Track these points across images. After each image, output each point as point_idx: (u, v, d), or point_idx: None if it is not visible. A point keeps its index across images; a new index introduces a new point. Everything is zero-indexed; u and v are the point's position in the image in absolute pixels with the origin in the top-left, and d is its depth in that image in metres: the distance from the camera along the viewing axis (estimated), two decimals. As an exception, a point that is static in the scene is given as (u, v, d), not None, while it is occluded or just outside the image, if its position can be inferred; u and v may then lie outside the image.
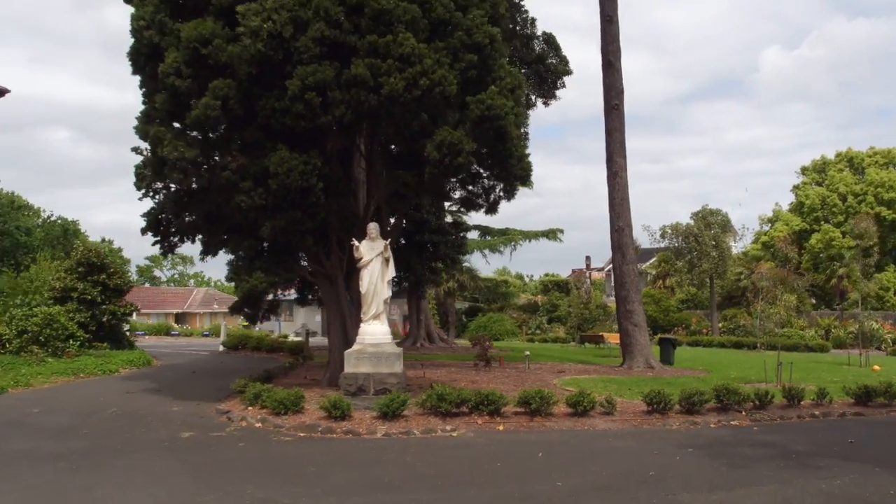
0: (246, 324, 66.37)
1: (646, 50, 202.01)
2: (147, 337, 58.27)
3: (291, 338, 44.61)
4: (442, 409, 14.22)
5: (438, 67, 14.82)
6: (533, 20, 32.72)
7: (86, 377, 22.57)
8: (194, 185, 17.85)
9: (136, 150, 21.47)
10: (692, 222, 51.25)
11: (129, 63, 17.28)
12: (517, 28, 31.50)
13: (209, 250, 21.37)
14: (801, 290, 53.57)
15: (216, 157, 16.69)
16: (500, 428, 13.96)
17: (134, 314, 35.01)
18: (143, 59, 16.53)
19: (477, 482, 9.90)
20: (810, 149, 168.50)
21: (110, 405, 16.78)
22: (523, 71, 30.42)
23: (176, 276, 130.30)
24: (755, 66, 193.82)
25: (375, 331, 15.58)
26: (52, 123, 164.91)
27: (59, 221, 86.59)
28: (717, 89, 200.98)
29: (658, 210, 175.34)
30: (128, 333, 33.51)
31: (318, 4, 14.45)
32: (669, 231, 51.81)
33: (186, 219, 19.01)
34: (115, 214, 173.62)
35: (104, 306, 29.19)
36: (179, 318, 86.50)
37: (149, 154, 20.58)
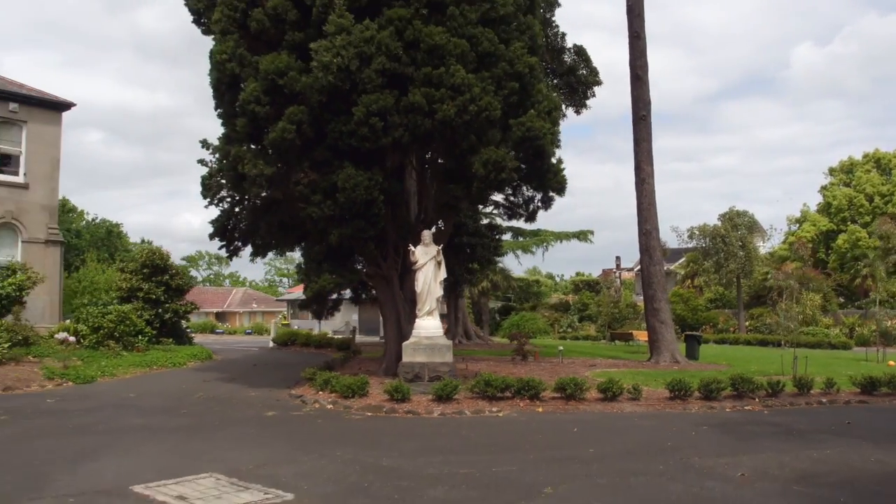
0: (286, 322, 68.94)
1: (675, 48, 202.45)
2: (194, 334, 60.64)
3: (329, 335, 46.64)
4: (488, 394, 16.33)
5: (485, 94, 16.97)
6: (563, 35, 34.49)
7: (158, 369, 24.90)
8: (263, 195, 20.07)
9: (201, 161, 23.99)
10: (719, 223, 52.93)
11: (212, 91, 19.62)
12: (549, 42, 33.38)
13: (259, 252, 23.83)
14: (827, 290, 55.00)
15: (290, 173, 18.81)
16: (540, 410, 16.01)
17: (193, 313, 37.32)
18: (224, 87, 18.81)
19: (522, 448, 11.95)
20: (845, 146, 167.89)
21: (194, 391, 19.10)
22: (555, 82, 32.14)
23: (211, 275, 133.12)
24: (786, 63, 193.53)
25: (429, 325, 17.77)
26: (86, 126, 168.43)
27: (105, 223, 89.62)
28: (747, 87, 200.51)
29: (690, 209, 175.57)
30: (188, 331, 35.88)
31: (380, 41, 16.65)
32: (697, 232, 53.48)
33: (260, 226, 21.24)
34: (147, 216, 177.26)
35: (167, 305, 31.56)
36: (219, 316, 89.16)
37: (213, 166, 22.99)
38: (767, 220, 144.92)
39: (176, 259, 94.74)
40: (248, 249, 24.95)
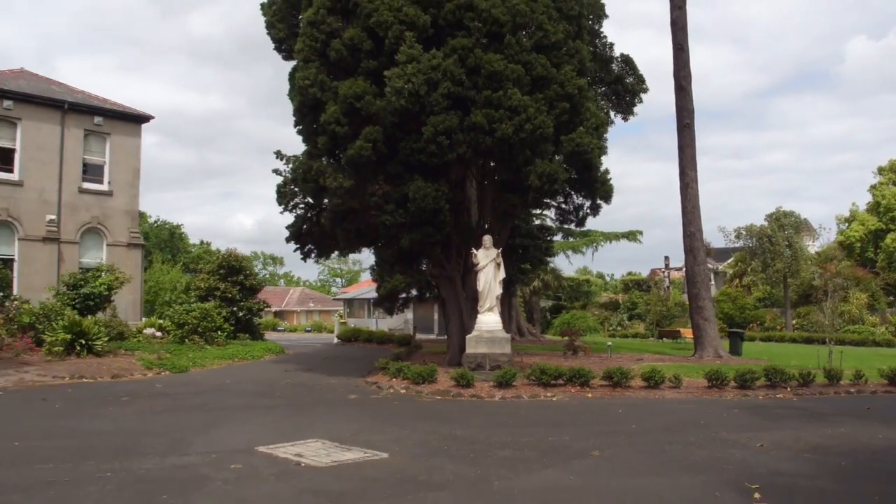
0: (343, 320, 71.44)
1: (726, 43, 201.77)
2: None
3: (386, 332, 48.69)
4: (543, 381, 18.39)
5: (538, 114, 19.04)
6: (611, 45, 36.13)
7: (239, 361, 27.31)
8: (340, 204, 22.27)
9: (276, 171, 26.46)
10: (766, 224, 54.16)
11: (296, 114, 21.97)
12: (597, 52, 35.18)
13: (320, 254, 26.30)
14: (875, 289, 55.90)
15: (365, 186, 21.00)
16: (589, 395, 18.02)
17: (263, 311, 39.83)
18: (307, 109, 21.10)
19: (573, 424, 13.98)
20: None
21: (280, 380, 21.43)
22: (602, 90, 33.83)
23: (266, 275, 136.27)
24: (840, 58, 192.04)
25: (490, 320, 19.90)
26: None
27: (167, 226, 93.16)
28: (800, 82, 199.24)
29: (741, 207, 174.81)
30: (259, 327, 38.42)
31: (446, 68, 18.79)
32: (744, 232, 54.76)
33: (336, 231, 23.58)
34: (201, 217, 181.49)
35: (241, 303, 34.08)
36: (277, 315, 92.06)
37: (288, 176, 25.33)
38: (821, 219, 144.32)
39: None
40: (303, 249, 27.60)
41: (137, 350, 25.95)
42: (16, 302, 26.78)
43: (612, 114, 37.40)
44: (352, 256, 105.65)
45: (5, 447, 10.91)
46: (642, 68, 33.16)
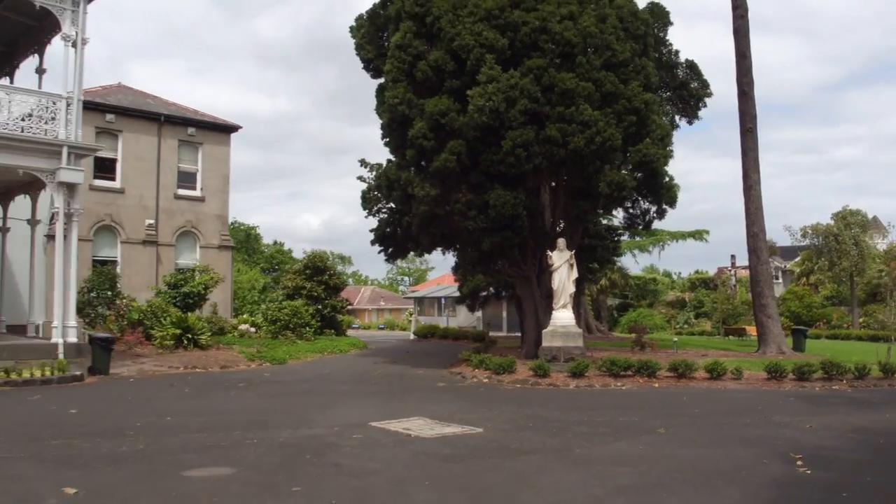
0: (413, 318, 73.52)
1: (795, 35, 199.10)
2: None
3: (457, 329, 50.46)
4: (613, 371, 20.14)
5: (608, 127, 20.79)
6: (677, 52, 37.58)
7: (329, 354, 29.51)
8: (426, 211, 24.30)
9: (360, 178, 28.52)
10: (832, 222, 54.75)
11: (385, 128, 24.11)
12: (662, 59, 36.63)
13: (397, 255, 28.41)
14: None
15: (449, 194, 22.92)
16: (656, 385, 19.72)
17: (346, 308, 42.14)
18: (396, 125, 23.14)
19: (641, 408, 15.73)
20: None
21: (372, 370, 23.55)
22: (667, 95, 35.17)
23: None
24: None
25: (563, 316, 21.74)
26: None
27: (243, 227, 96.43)
28: (874, 74, 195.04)
29: (811, 203, 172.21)
30: (342, 324, 40.74)
31: (523, 87, 20.67)
32: (810, 231, 55.41)
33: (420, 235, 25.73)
34: (269, 217, 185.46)
35: (326, 301, 36.38)
36: (349, 313, 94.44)
37: (371, 182, 27.46)
38: (893, 215, 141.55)
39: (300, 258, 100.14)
40: (386, 251, 29.77)
41: (235, 344, 28.35)
42: (124, 300, 29.31)
43: (677, 118, 38.80)
44: (421, 257, 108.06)
45: (162, 422, 13.10)
46: (706, 62, 34.48)
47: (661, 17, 29.86)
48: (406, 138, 22.34)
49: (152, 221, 34.91)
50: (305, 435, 12.05)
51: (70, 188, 20.67)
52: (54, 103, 20.67)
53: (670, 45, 37.68)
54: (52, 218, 27.33)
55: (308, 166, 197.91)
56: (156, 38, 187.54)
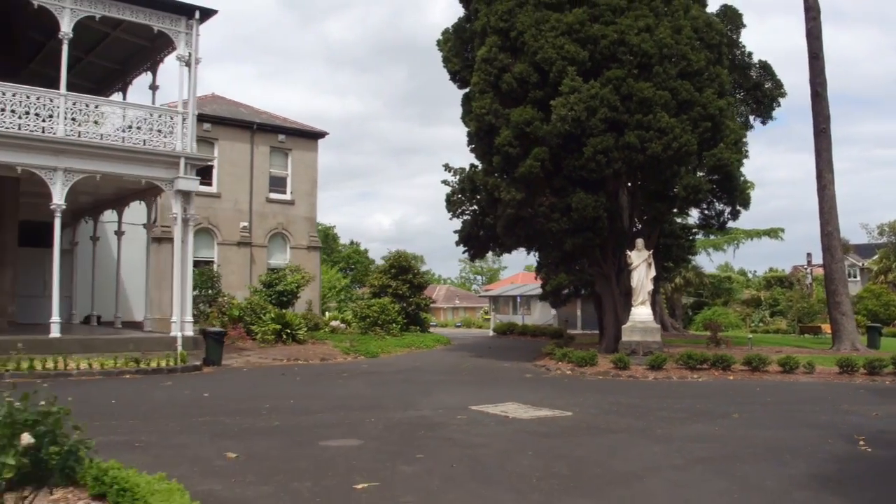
0: (489, 316, 74.87)
1: (873, 25, 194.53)
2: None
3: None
4: (690, 365, 21.38)
5: (684, 134, 22.00)
6: (750, 53, 38.28)
7: (416, 349, 31.21)
8: (511, 214, 25.79)
9: (444, 182, 30.23)
10: (910, 219, 54.60)
11: (472, 136, 25.73)
12: (735, 61, 37.44)
13: (479, 254, 29.90)
14: None
15: (533, 198, 24.35)
16: (731, 377, 20.88)
17: (429, 306, 43.90)
18: (483, 133, 24.68)
19: (717, 397, 16.98)
20: None
21: (460, 363, 25.15)
22: (741, 96, 35.89)
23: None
24: None
25: (642, 312, 23.02)
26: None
27: (320, 227, 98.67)
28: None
29: (894, 199, 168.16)
30: (425, 321, 42.47)
31: (602, 96, 22.02)
32: (887, 228, 55.33)
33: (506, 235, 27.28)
34: (341, 216, 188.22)
35: (410, 299, 38.10)
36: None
37: (456, 186, 29.02)
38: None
39: (375, 258, 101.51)
40: (470, 251, 31.29)
41: (328, 339, 30.18)
42: (225, 298, 31.39)
43: (751, 119, 39.48)
44: (499, 256, 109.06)
45: (287, 404, 14.84)
46: (779, 55, 35.23)
47: (733, 20, 30.89)
48: (492, 146, 23.86)
49: (246, 224, 36.92)
50: (415, 415, 13.62)
51: (186, 195, 22.64)
52: (171, 118, 22.68)
53: (743, 46, 38.37)
54: (154, 222, 29.77)
55: (379, 166, 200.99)
56: (228, 43, 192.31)
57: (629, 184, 24.93)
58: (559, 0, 23.45)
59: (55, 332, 20.45)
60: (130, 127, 22.09)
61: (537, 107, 23.03)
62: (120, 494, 6.48)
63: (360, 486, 8.24)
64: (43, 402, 5.53)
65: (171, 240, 29.88)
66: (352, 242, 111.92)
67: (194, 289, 30.57)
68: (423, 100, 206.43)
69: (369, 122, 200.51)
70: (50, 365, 18.12)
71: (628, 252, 23.25)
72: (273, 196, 38.36)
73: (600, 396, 16.78)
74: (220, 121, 36.96)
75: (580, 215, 22.80)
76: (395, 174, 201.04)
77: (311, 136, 40.60)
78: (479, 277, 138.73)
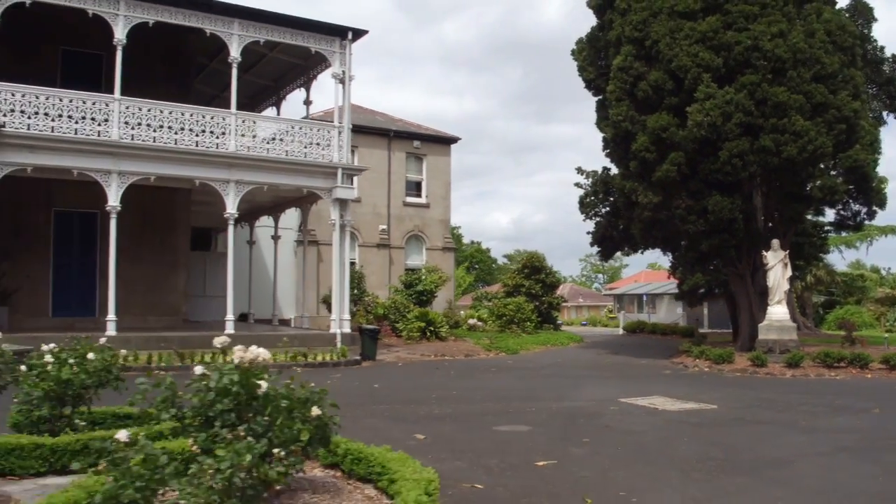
0: (612, 314, 75.23)
1: None
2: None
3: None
4: (827, 363, 21.89)
5: (819, 136, 22.55)
6: (882, 48, 37.95)
7: (552, 346, 32.38)
8: (648, 216, 26.74)
9: (577, 184, 31.28)
10: None
11: (608, 142, 26.87)
12: (868, 56, 37.10)
13: (610, 254, 30.88)
14: None
15: (669, 201, 25.20)
16: (868, 376, 21.31)
17: (561, 305, 45.03)
18: (619, 139, 25.70)
19: (856, 394, 17.61)
20: None
21: (598, 360, 26.26)
22: (873, 91, 35.59)
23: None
24: None
25: (778, 311, 23.63)
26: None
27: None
28: None
29: None
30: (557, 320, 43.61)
31: (738, 102, 22.77)
32: None
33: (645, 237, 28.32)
34: (459, 216, 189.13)
35: (543, 298, 39.29)
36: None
37: (588, 188, 30.06)
38: None
39: (496, 256, 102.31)
40: (603, 251, 32.26)
41: (466, 337, 31.65)
42: (369, 297, 33.26)
43: (884, 114, 39.06)
44: (627, 256, 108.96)
45: (450, 394, 16.32)
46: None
47: (864, 14, 31.02)
48: (628, 151, 24.87)
49: (385, 227, 38.79)
50: (569, 406, 14.85)
51: (343, 203, 24.41)
52: (329, 132, 24.52)
53: (874, 41, 37.99)
54: (300, 227, 31.93)
55: (496, 165, 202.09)
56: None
57: (764, 186, 25.48)
58: (692, 9, 24.22)
59: (229, 329, 22.51)
60: (293, 140, 24.00)
61: (672, 113, 23.90)
62: (355, 463, 7.89)
63: (541, 464, 9.54)
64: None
65: (313, 243, 32.11)
66: (472, 242, 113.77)
67: (341, 289, 32.73)
68: (538, 97, 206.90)
69: (485, 121, 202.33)
70: (229, 358, 20.04)
71: (764, 252, 23.85)
72: (409, 200, 40.10)
73: (741, 392, 17.64)
74: (359, 129, 38.71)
75: (716, 217, 23.56)
76: (512, 173, 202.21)
77: (444, 142, 42.26)
78: (599, 276, 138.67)
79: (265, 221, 31.30)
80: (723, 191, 23.97)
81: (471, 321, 36.17)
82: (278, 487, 5.77)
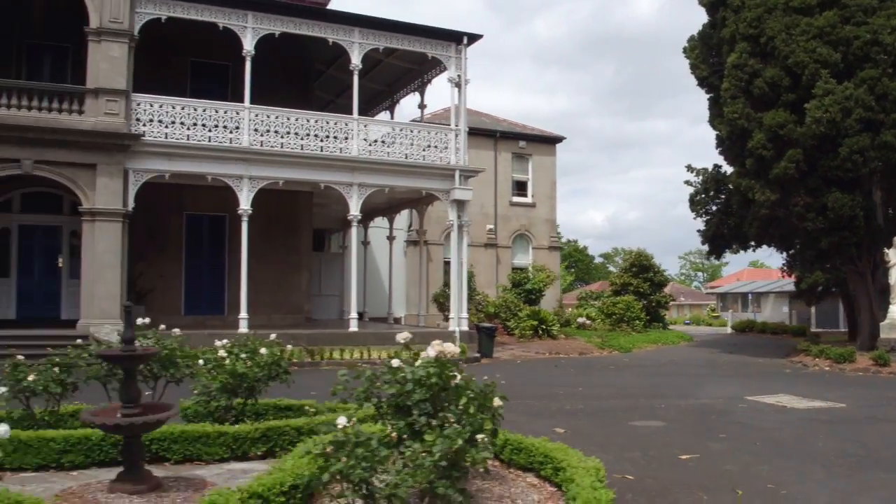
0: (715, 313, 74.23)
1: None
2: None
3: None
4: (955, 361, 21.49)
5: (944, 131, 22.14)
6: None
7: (663, 345, 32.39)
8: (764, 214, 26.58)
9: (687, 182, 31.31)
10: None
11: (722, 140, 26.80)
12: None
13: (720, 252, 30.51)
14: None
15: (787, 198, 25.00)
16: None
17: (668, 304, 44.88)
18: (735, 137, 25.60)
19: None
20: None
21: (713, 358, 26.28)
22: None
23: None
24: None
25: (899, 310, 23.26)
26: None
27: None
28: None
29: None
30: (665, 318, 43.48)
31: (857, 97, 22.50)
32: None
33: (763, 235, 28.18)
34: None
35: (651, 297, 39.24)
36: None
37: (699, 186, 29.96)
38: None
39: (592, 254, 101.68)
40: (713, 249, 32.11)
41: (576, 335, 31.90)
42: (479, 296, 33.80)
43: None
44: (735, 254, 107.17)
45: (576, 391, 16.69)
46: None
47: None
48: (744, 149, 24.76)
49: (492, 226, 39.30)
50: (697, 403, 15.06)
51: (460, 204, 25.03)
52: (446, 135, 25.18)
53: None
54: (409, 227, 32.73)
55: (589, 163, 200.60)
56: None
57: (884, 181, 25.05)
58: (809, 4, 23.99)
59: (353, 327, 23.36)
60: (411, 144, 24.71)
61: (789, 109, 23.71)
62: (515, 452, 8.38)
63: (684, 457, 9.87)
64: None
65: (418, 243, 32.82)
66: (568, 241, 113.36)
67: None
68: (631, 93, 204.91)
69: (578, 118, 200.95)
70: (357, 355, 20.93)
71: (886, 250, 23.45)
72: (515, 199, 40.54)
73: (866, 391, 17.53)
74: (468, 131, 39.43)
75: (836, 214, 23.29)
76: (606, 170, 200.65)
77: (549, 141, 42.55)
78: (699, 274, 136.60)
79: (377, 223, 32.16)
80: (842, 187, 23.68)
81: (580, 319, 36.41)
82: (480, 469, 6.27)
